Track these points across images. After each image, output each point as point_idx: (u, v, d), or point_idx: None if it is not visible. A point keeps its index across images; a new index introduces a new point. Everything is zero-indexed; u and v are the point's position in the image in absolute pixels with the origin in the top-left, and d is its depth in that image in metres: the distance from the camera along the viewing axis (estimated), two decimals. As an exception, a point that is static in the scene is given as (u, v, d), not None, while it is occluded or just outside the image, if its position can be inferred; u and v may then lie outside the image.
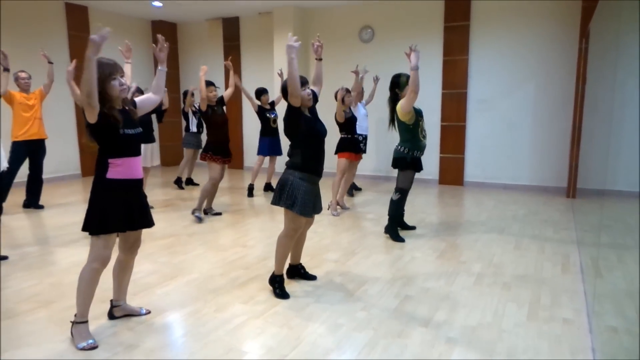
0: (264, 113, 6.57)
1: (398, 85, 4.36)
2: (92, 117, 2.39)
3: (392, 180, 7.58)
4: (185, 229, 4.95)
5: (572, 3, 6.45)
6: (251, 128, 8.93)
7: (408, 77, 4.18)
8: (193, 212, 5.31)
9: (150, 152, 5.70)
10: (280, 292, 3.20)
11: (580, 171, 6.39)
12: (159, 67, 2.94)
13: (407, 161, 4.40)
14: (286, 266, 3.45)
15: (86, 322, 2.57)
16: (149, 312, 2.95)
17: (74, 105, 8.08)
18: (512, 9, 6.89)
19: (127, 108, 2.62)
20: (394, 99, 4.40)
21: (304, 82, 3.08)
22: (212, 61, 9.55)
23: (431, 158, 7.49)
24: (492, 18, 7.05)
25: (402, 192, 4.53)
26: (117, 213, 2.52)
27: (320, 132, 3.17)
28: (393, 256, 4.06)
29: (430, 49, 7.49)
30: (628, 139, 4.55)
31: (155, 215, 5.38)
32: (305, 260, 3.72)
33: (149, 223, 2.71)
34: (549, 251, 4.19)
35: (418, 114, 4.32)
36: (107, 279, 3.44)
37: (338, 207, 5.70)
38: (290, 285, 3.38)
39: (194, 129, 7.36)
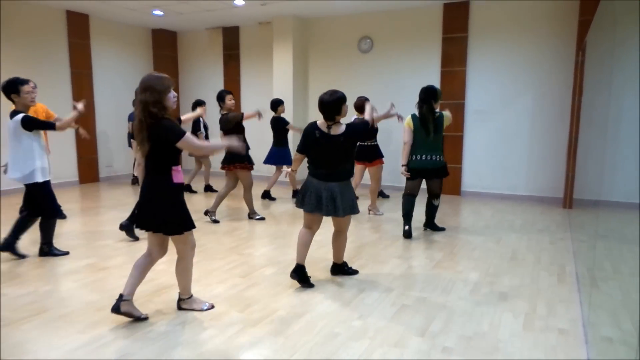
0: (281, 123, 6.84)
1: (435, 96, 4.67)
2: (186, 148, 2.85)
3: (393, 189, 7.60)
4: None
5: (569, 16, 6.52)
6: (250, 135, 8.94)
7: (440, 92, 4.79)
8: (207, 214, 5.62)
9: None
10: (351, 269, 3.81)
11: (577, 182, 6.42)
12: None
13: (445, 168, 4.88)
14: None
15: (192, 295, 3.12)
16: (147, 318, 2.96)
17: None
18: (510, 22, 6.97)
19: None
20: (430, 109, 4.66)
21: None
22: (212, 70, 9.61)
23: (429, 168, 7.51)
24: (490, 30, 7.12)
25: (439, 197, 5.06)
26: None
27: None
28: (390, 265, 4.06)
29: (428, 60, 7.55)
30: (624, 150, 4.59)
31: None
32: (302, 269, 3.72)
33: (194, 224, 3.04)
34: (545, 261, 4.20)
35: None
36: (107, 279, 3.42)
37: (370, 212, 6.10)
38: (286, 294, 3.38)
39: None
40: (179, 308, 3.12)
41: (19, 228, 4.15)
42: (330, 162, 3.40)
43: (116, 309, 2.88)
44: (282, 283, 3.61)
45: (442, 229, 5.23)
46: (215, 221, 5.55)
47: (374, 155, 5.98)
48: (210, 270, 3.90)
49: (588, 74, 6.09)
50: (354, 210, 3.50)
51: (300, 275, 3.53)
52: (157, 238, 2.94)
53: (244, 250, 4.48)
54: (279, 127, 6.84)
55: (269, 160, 6.95)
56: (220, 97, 5.39)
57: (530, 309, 3.17)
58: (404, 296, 3.37)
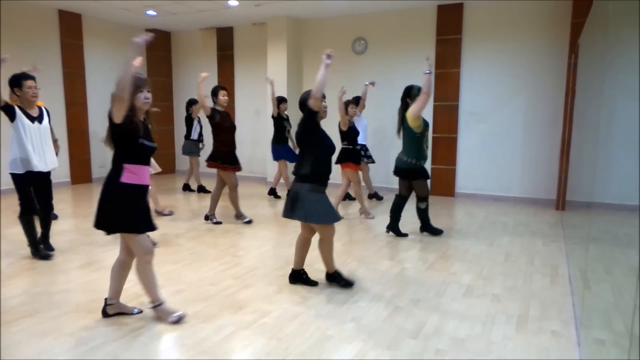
0: (282, 122, 6.83)
1: (409, 95, 4.54)
2: (119, 117, 2.61)
3: (388, 190, 7.60)
4: (175, 238, 4.92)
5: (562, 18, 6.56)
6: (244, 135, 8.93)
7: (419, 88, 4.43)
8: (207, 218, 5.53)
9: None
10: (345, 282, 3.52)
11: (569, 184, 6.45)
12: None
13: (417, 172, 4.67)
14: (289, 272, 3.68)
15: (162, 303, 2.93)
16: (141, 311, 3.01)
17: (65, 114, 8.05)
18: (504, 24, 6.99)
19: (147, 121, 2.86)
20: (405, 108, 4.51)
21: (323, 96, 3.32)
22: (206, 70, 9.44)
23: (423, 169, 7.53)
24: (483, 32, 7.14)
25: (426, 200, 4.89)
26: (146, 213, 2.83)
27: (331, 145, 3.40)
28: (383, 267, 4.06)
29: (422, 62, 7.52)
30: (616, 152, 4.61)
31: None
32: (295, 271, 3.71)
33: (154, 227, 2.92)
34: (538, 263, 4.21)
35: (426, 125, 4.54)
36: (98, 281, 3.40)
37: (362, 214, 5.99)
38: (279, 296, 3.36)
39: (195, 136, 7.54)
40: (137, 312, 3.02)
41: (24, 230, 4.14)
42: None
43: (105, 314, 2.96)
44: (276, 285, 3.59)
45: (440, 232, 5.10)
46: (218, 222, 5.49)
47: (345, 158, 5.79)
48: (203, 272, 3.87)
49: (581, 75, 6.12)
50: (320, 220, 3.31)
51: (294, 278, 3.57)
52: (121, 237, 2.87)
53: (238, 252, 4.45)
54: (282, 125, 6.87)
55: (278, 156, 6.96)
56: (214, 93, 5.27)
57: (523, 310, 3.17)
58: (397, 298, 3.36)
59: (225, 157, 5.24)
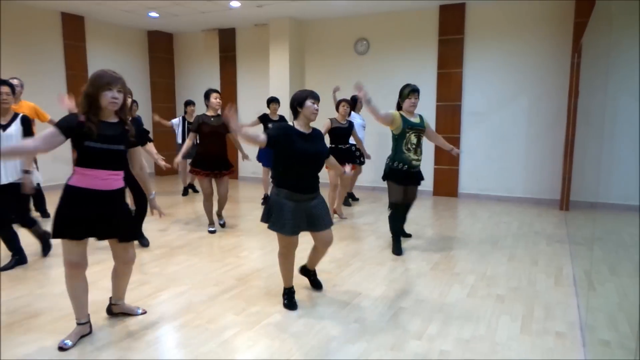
0: (268, 122, 6.48)
1: (400, 94, 4.38)
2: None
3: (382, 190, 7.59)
4: (179, 238, 4.92)
5: (565, 18, 6.54)
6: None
7: (412, 89, 4.27)
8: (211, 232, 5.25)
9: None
10: (287, 302, 3.20)
11: (573, 184, 6.42)
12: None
13: (385, 171, 4.40)
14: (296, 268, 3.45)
15: (81, 323, 2.69)
16: (145, 312, 3.06)
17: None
18: (506, 23, 6.98)
19: (122, 122, 2.62)
20: (398, 108, 4.42)
21: (316, 97, 3.05)
22: (208, 72, 9.58)
23: (425, 170, 7.44)
24: (486, 32, 7.13)
25: (390, 207, 4.48)
26: (76, 220, 2.52)
27: (301, 150, 2.95)
28: (387, 267, 4.05)
29: (424, 62, 7.55)
30: (620, 151, 4.59)
31: (148, 225, 5.36)
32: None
33: (120, 235, 2.68)
34: (542, 264, 4.20)
35: (408, 125, 4.24)
36: (102, 282, 3.40)
37: (335, 215, 5.73)
38: (282, 297, 3.36)
39: (179, 140, 7.44)
40: None
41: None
42: None
43: (109, 312, 3.01)
44: (279, 286, 3.59)
45: (399, 251, 4.48)
46: (221, 226, 5.42)
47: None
48: (207, 273, 3.87)
49: (584, 75, 6.10)
50: (269, 226, 3.06)
51: (303, 271, 3.59)
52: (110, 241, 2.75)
53: (241, 253, 4.45)
54: (267, 127, 6.50)
55: (267, 162, 6.59)
56: (206, 96, 5.01)
57: (527, 311, 3.16)
58: (400, 299, 3.36)
59: (198, 161, 5.00)
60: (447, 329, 2.88)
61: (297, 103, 3.02)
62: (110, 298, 3.02)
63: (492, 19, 7.06)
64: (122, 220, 2.68)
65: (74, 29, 8.07)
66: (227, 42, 9.29)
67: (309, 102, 2.98)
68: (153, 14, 8.00)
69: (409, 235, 4.99)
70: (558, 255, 4.46)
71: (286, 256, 3.18)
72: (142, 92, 9.47)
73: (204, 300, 3.29)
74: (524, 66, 6.93)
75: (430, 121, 7.55)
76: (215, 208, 5.34)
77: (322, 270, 3.94)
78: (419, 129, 4.31)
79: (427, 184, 7.66)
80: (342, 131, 5.68)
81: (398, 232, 4.61)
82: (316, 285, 3.55)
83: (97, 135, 2.49)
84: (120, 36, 9.01)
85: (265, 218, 3.04)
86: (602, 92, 4.52)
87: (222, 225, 5.43)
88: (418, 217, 6.07)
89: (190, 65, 9.84)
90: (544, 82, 6.84)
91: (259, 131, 2.96)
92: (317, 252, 3.34)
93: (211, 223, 5.28)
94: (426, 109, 7.50)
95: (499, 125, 7.19)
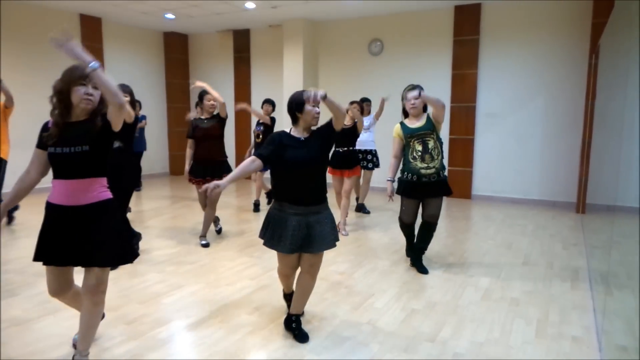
0: (274, 123, 6.32)
1: (402, 99, 3.97)
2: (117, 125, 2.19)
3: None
4: (193, 238, 4.96)
5: (582, 19, 6.46)
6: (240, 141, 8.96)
7: (408, 88, 3.91)
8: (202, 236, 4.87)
9: None
10: (297, 333, 2.77)
11: (590, 186, 6.32)
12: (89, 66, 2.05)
13: (399, 183, 3.99)
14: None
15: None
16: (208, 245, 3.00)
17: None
18: (522, 24, 6.91)
19: (92, 119, 2.20)
20: (404, 112, 4.03)
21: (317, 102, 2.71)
22: (222, 72, 9.65)
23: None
24: (501, 32, 7.06)
25: (399, 220, 4.08)
26: (49, 243, 2.18)
27: (292, 159, 2.60)
28: (400, 269, 4.04)
29: (439, 63, 7.51)
30: (639, 154, 4.51)
31: (163, 224, 5.41)
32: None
33: (90, 261, 2.17)
34: (558, 267, 4.14)
35: (407, 133, 3.86)
36: (115, 280, 3.43)
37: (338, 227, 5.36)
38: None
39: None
40: None
41: None
42: None
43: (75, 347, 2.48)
44: (292, 286, 3.60)
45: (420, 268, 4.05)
46: (205, 245, 4.78)
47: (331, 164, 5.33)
48: (220, 272, 3.90)
49: (601, 76, 6.01)
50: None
51: None
52: None
53: (255, 253, 4.48)
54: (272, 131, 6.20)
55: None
56: (200, 98, 4.71)
57: (542, 315, 3.12)
58: (413, 301, 3.34)
59: (194, 168, 4.74)
60: (460, 332, 2.86)
61: (295, 108, 2.65)
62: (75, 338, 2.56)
63: (508, 19, 6.99)
64: (99, 243, 2.17)
65: (92, 30, 8.19)
66: (241, 43, 9.36)
67: (308, 107, 2.62)
68: (169, 16, 8.09)
69: (423, 272, 3.99)
70: (574, 258, 4.40)
71: (288, 276, 2.91)
72: (157, 92, 9.60)
73: (217, 299, 3.32)
74: (541, 67, 6.85)
75: (444, 122, 7.46)
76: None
77: (335, 271, 3.95)
78: (422, 132, 3.79)
79: (440, 185, 7.63)
80: (343, 131, 5.42)
81: (409, 255, 4.20)
82: (301, 337, 2.75)
83: (57, 138, 2.14)
84: (136, 37, 9.12)
85: (262, 233, 2.74)
86: (621, 94, 4.45)
87: (218, 232, 5.19)
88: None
89: (205, 65, 9.92)
90: (560, 84, 6.75)
91: (247, 161, 2.61)
92: (302, 283, 2.76)
93: (203, 235, 4.77)
94: (440, 110, 7.47)
95: (515, 127, 7.12)
